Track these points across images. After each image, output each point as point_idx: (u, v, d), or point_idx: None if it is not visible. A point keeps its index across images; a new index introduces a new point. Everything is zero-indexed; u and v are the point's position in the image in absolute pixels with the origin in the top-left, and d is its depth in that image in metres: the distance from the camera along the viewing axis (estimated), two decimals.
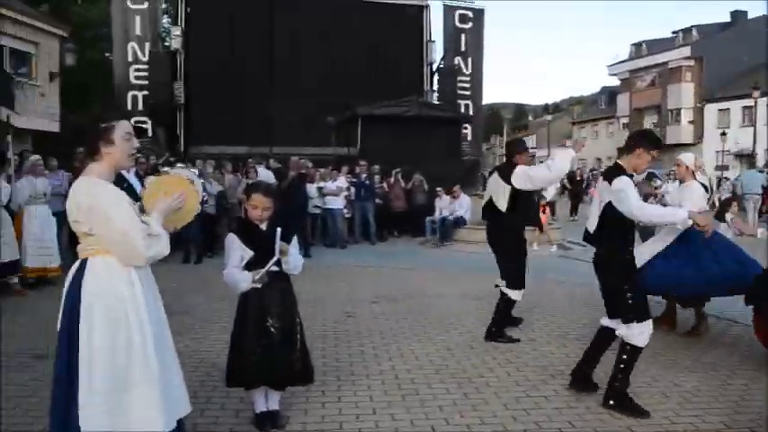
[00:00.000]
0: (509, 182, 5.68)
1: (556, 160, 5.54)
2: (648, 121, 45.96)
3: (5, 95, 14.88)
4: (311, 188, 12.87)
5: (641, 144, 4.24)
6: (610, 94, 54.76)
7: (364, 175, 13.63)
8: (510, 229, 5.86)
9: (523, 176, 5.63)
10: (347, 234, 13.60)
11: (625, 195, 4.04)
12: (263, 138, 21.38)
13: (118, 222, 2.63)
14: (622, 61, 49.88)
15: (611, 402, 4.13)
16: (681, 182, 6.13)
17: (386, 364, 5.06)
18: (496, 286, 5.99)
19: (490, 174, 6.33)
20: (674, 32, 47.34)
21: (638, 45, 49.56)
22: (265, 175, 12.02)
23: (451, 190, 13.82)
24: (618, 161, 4.38)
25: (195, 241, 10.57)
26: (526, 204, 6.04)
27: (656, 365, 5.03)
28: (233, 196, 11.76)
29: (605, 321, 4.40)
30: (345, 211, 13.38)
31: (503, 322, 5.89)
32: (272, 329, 3.56)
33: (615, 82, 52.50)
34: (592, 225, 4.35)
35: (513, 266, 5.86)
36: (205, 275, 9.11)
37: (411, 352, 5.41)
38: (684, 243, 5.49)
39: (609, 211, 4.16)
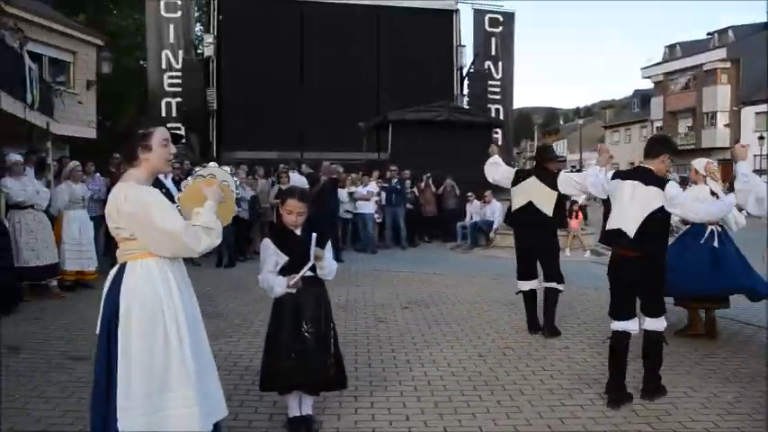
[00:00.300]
0: (555, 188, 5.87)
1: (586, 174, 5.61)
2: (683, 125, 45.17)
3: (45, 103, 15.23)
4: (342, 193, 12.92)
5: (666, 150, 4.43)
6: (643, 98, 53.92)
7: (395, 180, 13.63)
8: (555, 231, 6.34)
9: (569, 182, 5.88)
10: (378, 239, 13.61)
11: (683, 199, 4.25)
12: (294, 143, 21.59)
13: (161, 223, 2.67)
14: (656, 64, 49.06)
15: (654, 394, 4.35)
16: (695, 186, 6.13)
17: (418, 371, 5.04)
18: (518, 293, 6.38)
19: (520, 177, 6.29)
20: (709, 34, 46.46)
21: (672, 47, 48.73)
22: (298, 179, 12.10)
23: (483, 195, 13.74)
24: (646, 165, 4.43)
25: (228, 245, 10.68)
26: (563, 208, 6.38)
27: (693, 375, 4.93)
28: (265, 201, 11.88)
29: (625, 325, 4.35)
30: (376, 215, 13.39)
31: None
32: (307, 334, 3.57)
33: (648, 85, 51.71)
34: (630, 228, 4.28)
35: (558, 265, 6.23)
36: (238, 279, 9.19)
37: (443, 358, 5.38)
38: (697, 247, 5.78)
39: (656, 215, 4.22)
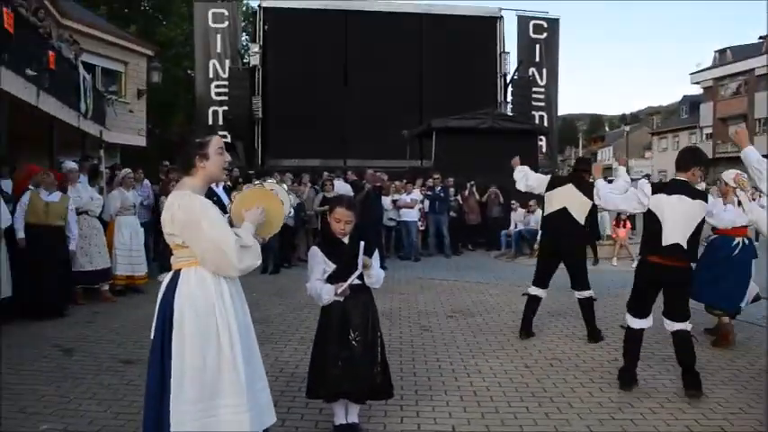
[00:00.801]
0: (591, 197, 5.80)
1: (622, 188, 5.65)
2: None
3: (97, 112, 15.71)
4: (386, 200, 12.94)
5: (697, 163, 4.69)
6: (692, 104, 52.59)
7: (439, 188, 13.58)
8: (583, 239, 6.49)
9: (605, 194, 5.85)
10: (421, 247, 13.58)
11: (719, 210, 4.33)
12: (338, 150, 21.74)
13: (211, 235, 2.71)
14: (706, 69, 47.83)
15: (698, 390, 4.53)
16: (724, 198, 6.15)
17: (464, 380, 4.99)
18: (524, 294, 6.54)
19: (556, 183, 6.40)
20: (761, 38, 45.05)
21: (722, 51, 47.44)
22: (342, 187, 12.19)
23: (527, 204, 13.59)
24: (680, 178, 4.69)
25: (273, 252, 10.80)
26: (593, 219, 6.68)
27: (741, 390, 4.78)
28: (310, 208, 11.98)
29: (644, 323, 4.84)
30: (420, 223, 13.36)
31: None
32: (354, 342, 3.57)
33: (697, 90, 50.40)
34: (684, 240, 4.53)
35: (585, 272, 6.37)
36: (283, 285, 9.29)
37: (489, 368, 5.32)
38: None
39: (700, 225, 4.57)
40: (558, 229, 6.22)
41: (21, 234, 6.94)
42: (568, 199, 6.18)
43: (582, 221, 6.16)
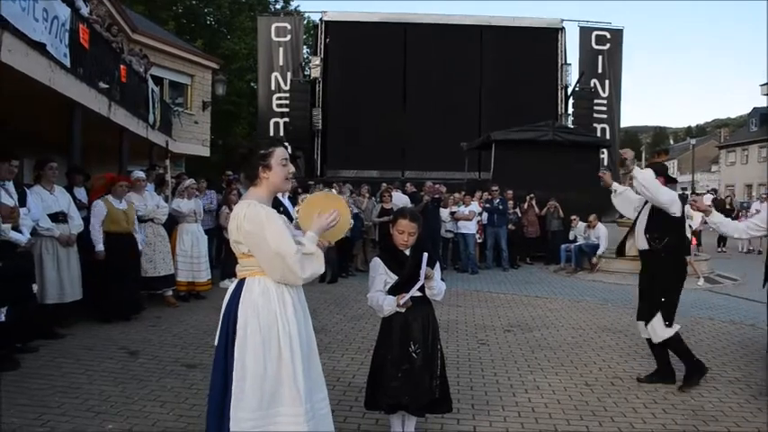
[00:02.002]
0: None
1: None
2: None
3: (164, 123, 16.25)
4: (444, 212, 12.90)
5: None
6: (762, 116, 50.44)
7: (497, 200, 13.46)
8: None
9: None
10: (478, 259, 13.46)
11: None
12: (396, 162, 21.86)
13: (275, 245, 2.75)
14: None
15: None
16: None
17: (522, 396, 4.91)
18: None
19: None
20: None
21: None
22: (400, 199, 12.22)
23: (587, 218, 13.33)
24: None
25: (331, 261, 10.90)
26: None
27: None
28: (368, 219, 12.05)
29: None
30: (477, 235, 13.25)
31: None
32: (414, 355, 3.55)
33: None
34: None
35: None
36: (341, 295, 9.36)
37: (548, 385, 5.22)
38: None
39: None
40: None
41: (100, 246, 7.07)
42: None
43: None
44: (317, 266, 2.87)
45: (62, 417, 4.19)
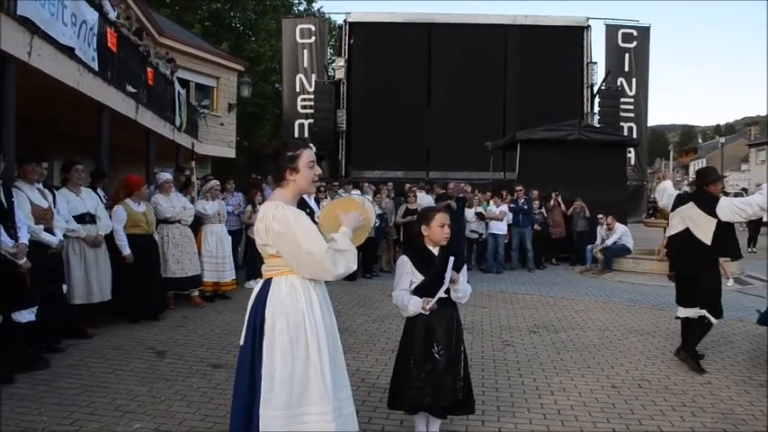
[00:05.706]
0: (715, 215, 5.55)
1: (756, 196, 5.43)
2: None
3: (190, 125, 16.43)
4: (469, 213, 12.84)
5: None
6: None
7: (522, 200, 13.36)
8: (714, 259, 5.85)
9: (731, 208, 5.57)
10: (503, 260, 13.38)
11: None
12: (420, 162, 21.82)
13: (305, 244, 2.77)
14: None
15: None
16: None
17: (547, 398, 4.87)
18: (677, 318, 5.99)
19: (680, 202, 5.94)
20: None
21: None
22: (424, 199, 12.19)
23: (606, 221, 13.14)
24: None
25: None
26: (727, 235, 5.75)
27: None
28: (391, 219, 12.04)
29: None
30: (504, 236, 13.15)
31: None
32: (438, 356, 3.54)
33: None
34: None
35: (715, 296, 5.79)
36: (365, 296, 9.37)
37: (574, 387, 5.17)
38: None
39: None
40: (684, 252, 5.82)
41: (127, 250, 7.16)
42: (691, 218, 5.72)
43: (708, 241, 5.59)
44: (351, 263, 2.88)
45: (91, 416, 4.25)
